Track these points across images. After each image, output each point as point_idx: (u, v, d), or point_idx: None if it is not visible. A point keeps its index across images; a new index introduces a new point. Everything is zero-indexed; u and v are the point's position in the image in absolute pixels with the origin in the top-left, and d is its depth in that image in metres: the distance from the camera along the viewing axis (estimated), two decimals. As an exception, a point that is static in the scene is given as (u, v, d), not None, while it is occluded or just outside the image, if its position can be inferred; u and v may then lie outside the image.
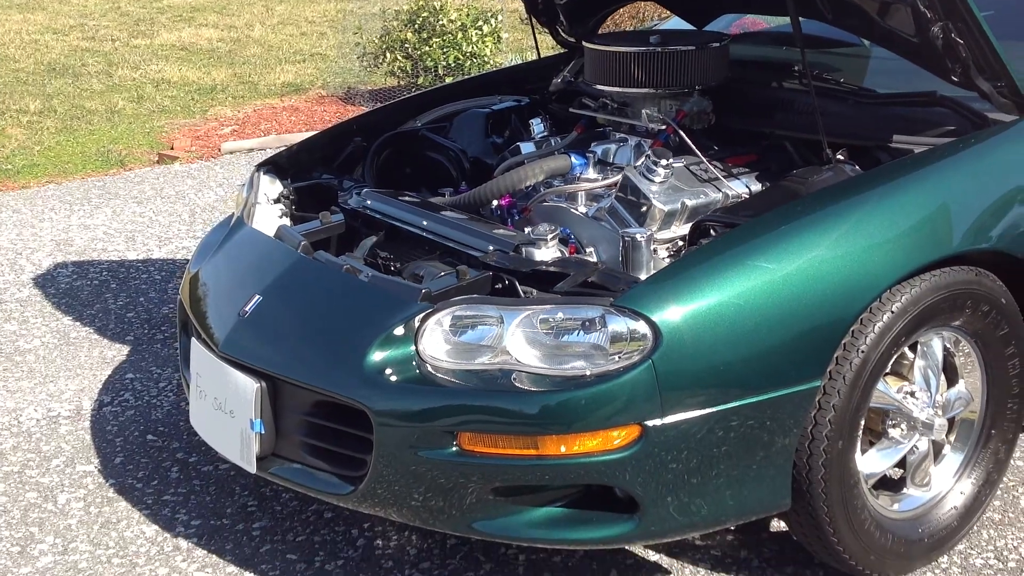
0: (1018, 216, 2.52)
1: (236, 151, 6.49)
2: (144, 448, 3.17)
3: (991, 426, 2.63)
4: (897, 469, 2.60)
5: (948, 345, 2.56)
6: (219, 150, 6.49)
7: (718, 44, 2.94)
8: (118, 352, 3.78)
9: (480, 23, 7.01)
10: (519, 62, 7.59)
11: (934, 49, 2.57)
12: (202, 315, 2.69)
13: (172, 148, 6.53)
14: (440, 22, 6.95)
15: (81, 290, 4.36)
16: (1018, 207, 2.53)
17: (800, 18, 2.66)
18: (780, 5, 2.83)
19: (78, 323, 4.04)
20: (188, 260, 4.62)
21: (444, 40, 6.93)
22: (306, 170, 3.19)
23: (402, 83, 7.36)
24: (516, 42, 8.60)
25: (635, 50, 2.90)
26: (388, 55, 7.10)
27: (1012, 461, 2.83)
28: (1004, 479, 2.78)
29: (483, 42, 6.99)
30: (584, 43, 3.05)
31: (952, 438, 2.64)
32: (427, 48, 6.95)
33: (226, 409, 2.51)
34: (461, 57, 6.96)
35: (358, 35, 7.68)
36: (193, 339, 2.67)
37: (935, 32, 2.51)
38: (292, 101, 7.72)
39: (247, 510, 2.86)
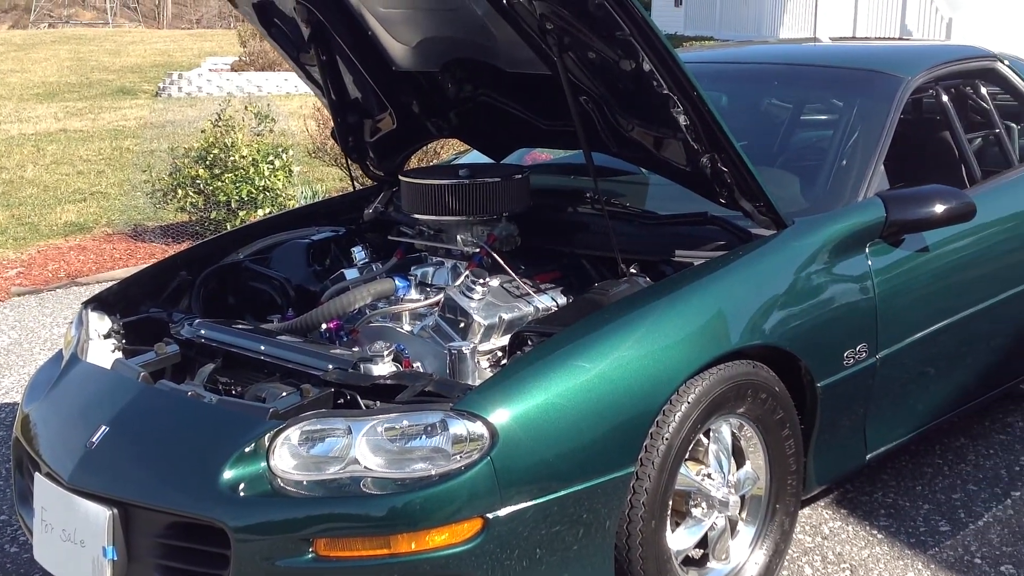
0: (783, 315, 2.91)
1: (26, 294, 6.38)
2: (-28, 593, 3.12)
3: (776, 501, 2.98)
4: (698, 550, 2.90)
5: (735, 430, 2.90)
6: (7, 293, 6.35)
7: (520, 175, 3.26)
8: (-70, 500, 3.68)
9: (272, 158, 7.22)
10: (310, 194, 7.84)
11: (703, 176, 2.96)
12: (46, 450, 2.73)
13: (-45, 292, 6.36)
14: (232, 158, 7.11)
15: None
16: (782, 307, 2.92)
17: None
18: (572, 140, 3.20)
19: None
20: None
21: (236, 175, 7.09)
22: (133, 305, 3.28)
23: (193, 218, 7.42)
24: (304, 174, 8.84)
25: (448, 182, 3.16)
26: (179, 191, 7.18)
27: (794, 534, 3.19)
28: (789, 550, 3.14)
29: (275, 176, 7.19)
30: (401, 177, 3.30)
31: (744, 514, 2.96)
32: (219, 183, 7.08)
33: (76, 539, 2.55)
34: (254, 191, 7.12)
35: (146, 173, 7.72)
36: (37, 474, 2.71)
37: (704, 162, 2.91)
38: (78, 240, 7.63)
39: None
